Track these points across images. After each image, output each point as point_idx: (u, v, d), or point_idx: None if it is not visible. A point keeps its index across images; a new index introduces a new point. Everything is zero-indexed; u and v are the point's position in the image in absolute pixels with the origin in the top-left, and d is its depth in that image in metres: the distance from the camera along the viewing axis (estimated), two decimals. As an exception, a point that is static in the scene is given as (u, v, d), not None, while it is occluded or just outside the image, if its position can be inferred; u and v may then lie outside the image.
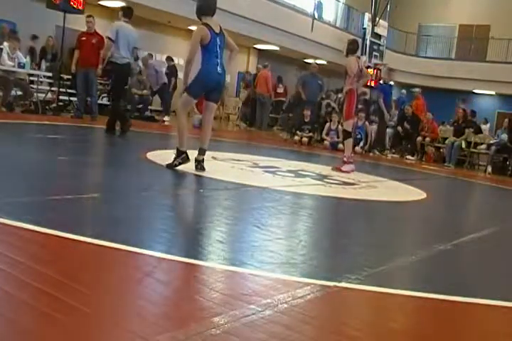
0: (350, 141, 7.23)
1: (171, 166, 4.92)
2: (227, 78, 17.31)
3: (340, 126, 12.07)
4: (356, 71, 6.97)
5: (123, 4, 13.39)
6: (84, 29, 9.97)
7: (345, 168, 6.93)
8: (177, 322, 1.71)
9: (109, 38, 7.69)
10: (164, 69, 12.66)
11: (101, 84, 12.69)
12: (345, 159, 7.04)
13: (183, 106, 5.10)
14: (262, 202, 4.16)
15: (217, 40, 4.88)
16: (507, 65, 20.75)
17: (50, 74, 10.70)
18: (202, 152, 5.04)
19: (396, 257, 2.94)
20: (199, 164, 5.01)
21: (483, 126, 14.90)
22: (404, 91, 16.27)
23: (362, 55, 20.14)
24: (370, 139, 12.43)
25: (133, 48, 7.84)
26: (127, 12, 7.94)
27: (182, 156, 4.89)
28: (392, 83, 12.91)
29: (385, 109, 11.99)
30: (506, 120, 12.01)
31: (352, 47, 7.19)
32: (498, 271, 3.11)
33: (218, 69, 4.89)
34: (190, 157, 4.96)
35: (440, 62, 22.69)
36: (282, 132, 12.83)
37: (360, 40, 20.01)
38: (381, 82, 12.67)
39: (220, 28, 4.96)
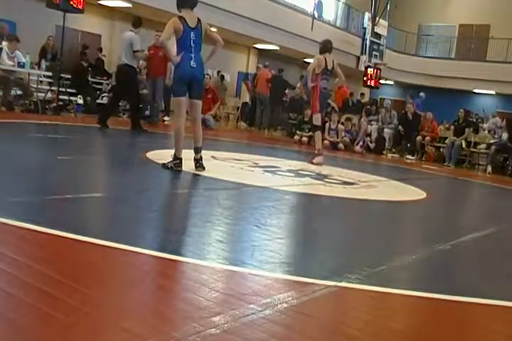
0: (318, 134, 7.70)
1: (164, 166, 4.95)
2: (227, 77, 17.35)
3: (339, 126, 12.13)
4: (322, 70, 7.37)
5: (123, 4, 13.45)
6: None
7: (316, 160, 7.38)
8: (177, 321, 1.71)
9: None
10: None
11: (99, 83, 12.74)
12: (316, 151, 7.53)
13: (177, 109, 5.13)
14: (262, 201, 4.16)
15: (191, 34, 4.88)
16: (507, 65, 20.75)
17: (49, 73, 10.71)
18: (198, 150, 5.07)
19: (396, 257, 2.94)
20: (198, 163, 5.03)
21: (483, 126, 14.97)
22: (422, 94, 16.24)
23: (362, 54, 20.18)
24: (370, 139, 12.47)
25: (133, 51, 8.47)
26: (134, 22, 8.81)
27: (176, 162, 4.91)
28: None
29: None
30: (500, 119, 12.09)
31: (320, 47, 7.65)
32: (498, 271, 3.11)
33: (191, 63, 4.89)
34: (185, 155, 4.98)
35: (440, 61, 22.68)
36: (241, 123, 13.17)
37: (359, 40, 20.13)
38: None
39: (199, 22, 4.95)
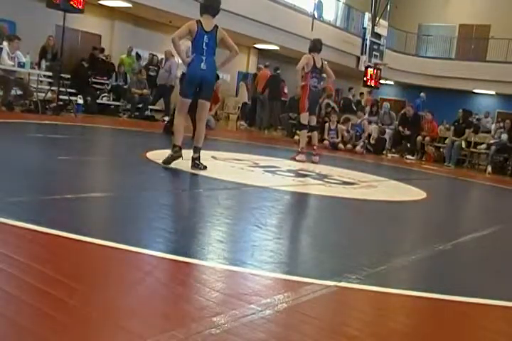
0: (304, 133, 7.82)
1: (164, 161, 4.96)
2: (227, 77, 17.32)
3: (339, 126, 12.12)
4: (311, 68, 7.45)
5: (123, 4, 13.44)
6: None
7: (298, 157, 7.56)
8: (177, 321, 1.71)
9: None
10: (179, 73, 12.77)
11: (102, 84, 12.74)
12: (299, 149, 7.67)
13: (179, 108, 5.18)
14: (262, 201, 4.16)
15: (205, 37, 4.97)
16: (507, 65, 20.73)
17: (50, 73, 10.70)
18: (197, 150, 5.10)
19: (396, 257, 2.94)
20: (194, 162, 5.06)
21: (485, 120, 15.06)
22: (423, 94, 16.25)
23: (362, 54, 20.17)
24: (369, 139, 12.46)
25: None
26: None
27: (175, 149, 4.95)
28: None
29: None
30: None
31: (310, 45, 7.72)
32: (498, 271, 3.11)
33: (202, 65, 4.96)
34: (185, 155, 5.01)
35: (440, 62, 22.68)
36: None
37: (360, 40, 20.12)
38: None
39: (215, 28, 5.02)
